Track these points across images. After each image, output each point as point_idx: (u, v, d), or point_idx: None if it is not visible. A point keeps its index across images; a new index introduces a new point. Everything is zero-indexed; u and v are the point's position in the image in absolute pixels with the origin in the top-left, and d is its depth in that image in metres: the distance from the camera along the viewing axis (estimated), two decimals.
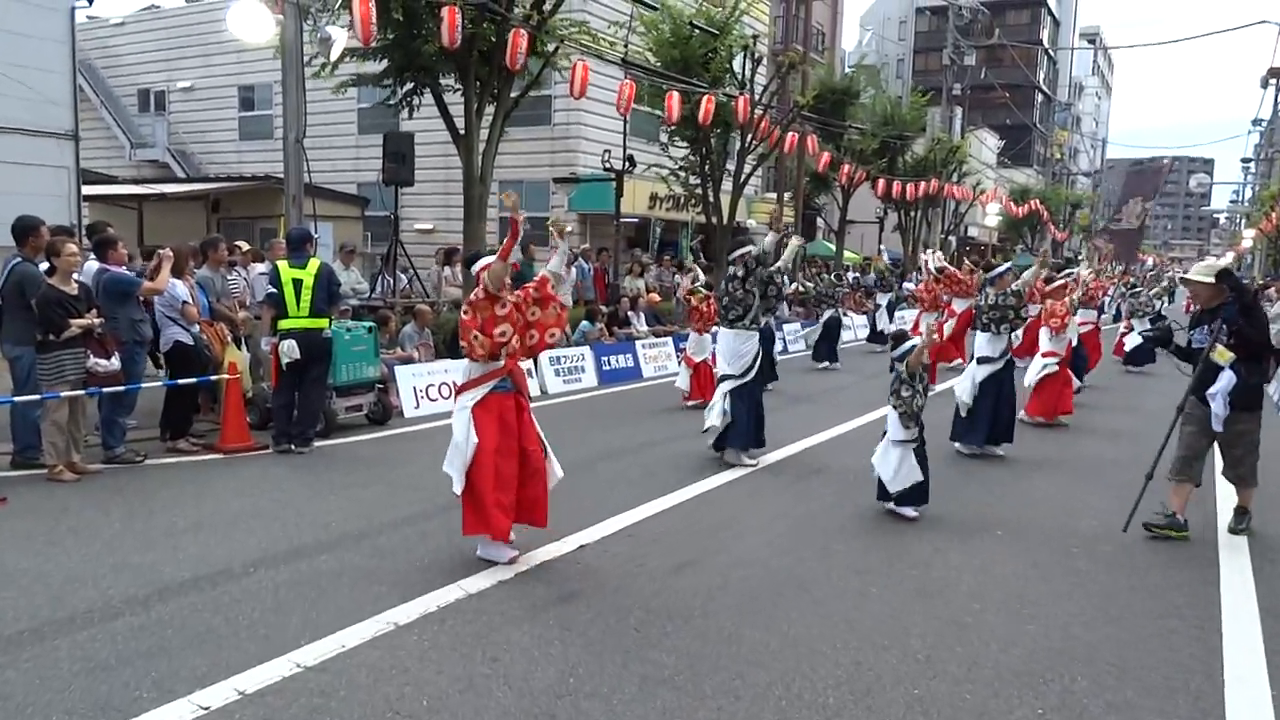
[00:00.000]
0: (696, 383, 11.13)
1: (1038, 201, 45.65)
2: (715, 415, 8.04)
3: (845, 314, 22.04)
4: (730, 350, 8.08)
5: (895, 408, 6.44)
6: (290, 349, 8.02)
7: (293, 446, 8.21)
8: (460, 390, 5.33)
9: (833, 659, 4.25)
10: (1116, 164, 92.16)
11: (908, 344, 6.58)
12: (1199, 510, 6.75)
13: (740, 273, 8.00)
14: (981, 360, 8.64)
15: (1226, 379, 5.95)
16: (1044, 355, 10.24)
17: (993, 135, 51.25)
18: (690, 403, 11.11)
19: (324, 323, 8.30)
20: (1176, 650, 4.49)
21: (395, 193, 13.68)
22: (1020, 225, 50.92)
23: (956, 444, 8.67)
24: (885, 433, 6.55)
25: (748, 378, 8.04)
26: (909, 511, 6.45)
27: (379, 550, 5.58)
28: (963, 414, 8.51)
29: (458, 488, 5.25)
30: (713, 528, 6.22)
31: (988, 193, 38.48)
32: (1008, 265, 9.28)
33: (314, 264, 8.28)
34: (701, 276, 11.87)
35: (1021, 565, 5.64)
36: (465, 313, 5.19)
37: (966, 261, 17.53)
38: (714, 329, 12.16)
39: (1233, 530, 6.30)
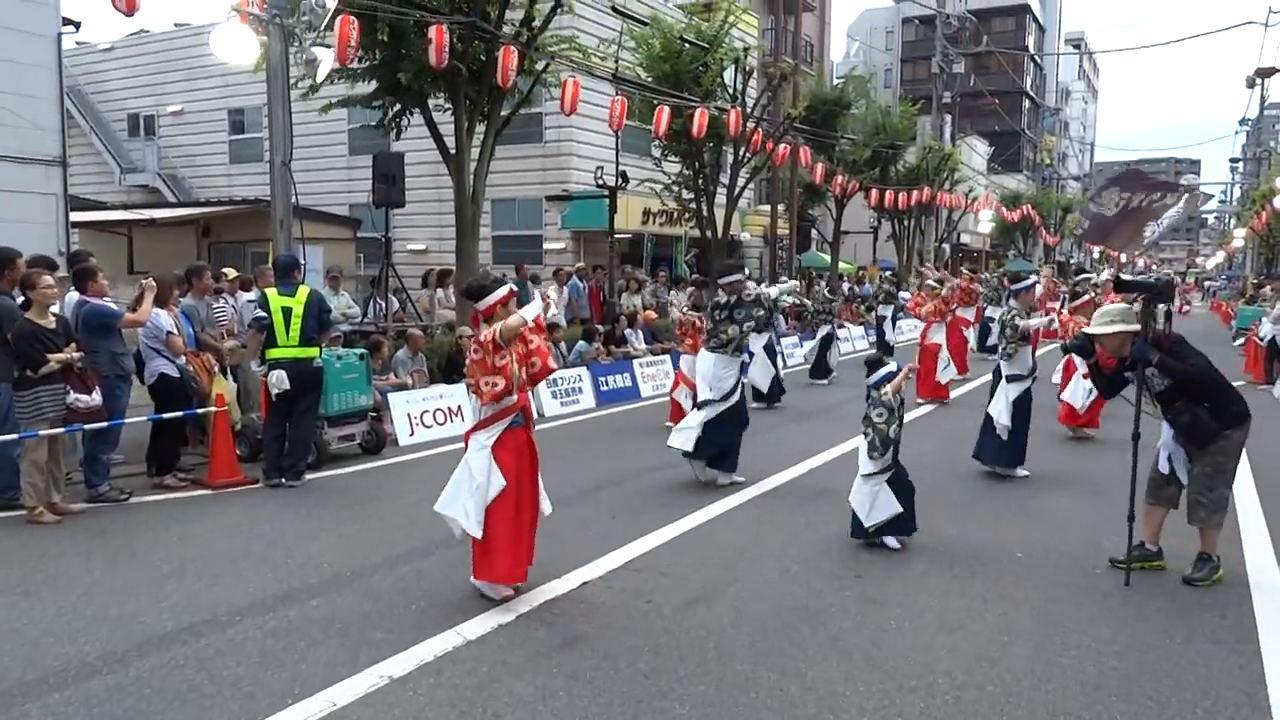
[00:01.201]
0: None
1: (1029, 207, 45.62)
2: (685, 439, 7.84)
3: (843, 325, 21.90)
4: (712, 374, 7.91)
5: (865, 435, 6.16)
6: (280, 380, 7.82)
7: (284, 480, 8.00)
8: (474, 430, 5.13)
9: (856, 703, 4.00)
10: (1105, 168, 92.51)
11: (884, 370, 6.28)
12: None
13: (727, 300, 7.79)
14: (1011, 379, 8.32)
15: (1166, 434, 5.60)
16: (1085, 376, 10.03)
17: (982, 142, 51.30)
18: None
19: (314, 352, 8.14)
20: (1216, 679, 4.27)
21: (386, 214, 13.50)
22: (1013, 231, 50.93)
23: (979, 462, 8.42)
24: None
25: (731, 401, 7.86)
26: (891, 542, 6.20)
27: (373, 592, 5.35)
28: (1004, 437, 8.23)
29: (476, 530, 5.02)
30: (723, 558, 6.01)
31: (980, 199, 38.41)
32: (1035, 279, 8.95)
33: (303, 291, 8.12)
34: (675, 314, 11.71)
35: (1046, 590, 5.44)
36: (475, 352, 4.92)
37: (964, 270, 17.36)
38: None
39: (1186, 579, 5.51)
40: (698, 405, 8.08)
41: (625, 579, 5.58)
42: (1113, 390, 5.95)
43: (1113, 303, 7.10)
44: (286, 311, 7.95)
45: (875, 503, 6.13)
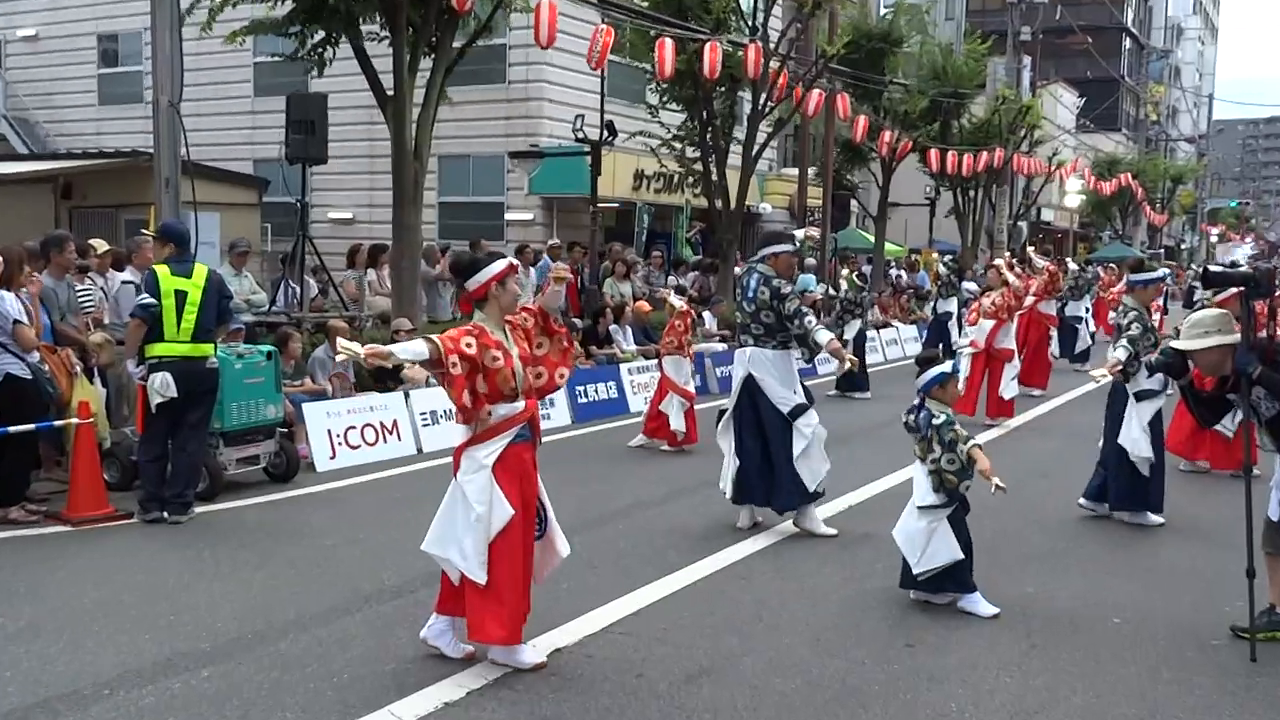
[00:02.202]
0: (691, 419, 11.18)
1: (1129, 176, 45.95)
2: (823, 461, 7.87)
3: (890, 322, 22.00)
4: (790, 376, 7.91)
5: (929, 467, 6.16)
6: (165, 385, 7.80)
7: (166, 514, 7.97)
8: (469, 444, 5.14)
9: None
10: (1226, 126, 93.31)
11: (936, 370, 6.28)
12: None
13: (777, 284, 7.81)
14: (1143, 395, 8.21)
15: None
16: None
17: (1070, 91, 51.65)
18: (682, 447, 11.13)
19: (209, 349, 8.14)
20: None
21: (303, 172, 13.47)
22: (1107, 206, 51.29)
23: (1087, 505, 8.48)
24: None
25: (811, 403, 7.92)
26: (940, 599, 6.22)
27: (282, 660, 5.33)
28: (1144, 473, 8.20)
29: (480, 574, 5.03)
30: (736, 620, 6.02)
31: (1066, 165, 38.67)
32: (1163, 271, 8.90)
33: (201, 271, 8.11)
34: (678, 303, 11.80)
35: (1149, 666, 5.47)
36: (455, 366, 4.92)
37: (1035, 257, 17.48)
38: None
39: (1236, 632, 5.72)
40: (790, 416, 7.82)
41: (609, 646, 5.56)
42: (1214, 417, 5.99)
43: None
44: (180, 296, 7.93)
45: (930, 544, 6.13)
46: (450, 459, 5.29)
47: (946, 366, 6.35)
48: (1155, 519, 8.31)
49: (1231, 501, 9.08)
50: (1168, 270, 9.66)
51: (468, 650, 5.26)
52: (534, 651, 5.27)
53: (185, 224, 9.11)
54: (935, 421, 6.15)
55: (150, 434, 8.08)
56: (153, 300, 7.89)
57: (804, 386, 8.08)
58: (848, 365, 7.72)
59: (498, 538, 5.05)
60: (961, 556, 6.14)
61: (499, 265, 5.15)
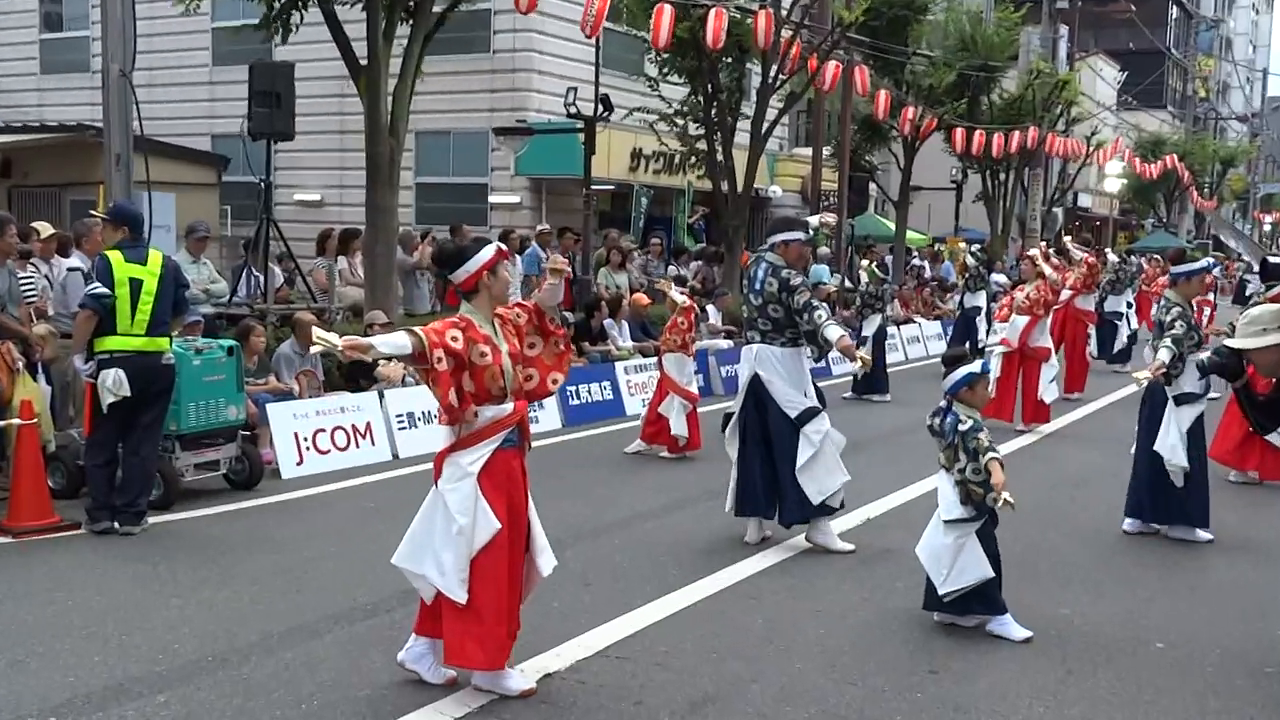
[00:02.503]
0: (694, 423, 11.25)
1: (1175, 157, 46.04)
2: (836, 472, 7.93)
3: (913, 318, 22.05)
4: (802, 378, 7.95)
5: (956, 477, 6.19)
6: (118, 383, 7.78)
7: (116, 524, 7.98)
8: (453, 449, 5.15)
9: None
10: None
11: (964, 370, 6.30)
12: None
13: (788, 274, 7.85)
14: (1183, 400, 8.24)
15: None
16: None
17: (1112, 65, 51.69)
18: (684, 453, 11.19)
19: (165, 344, 8.13)
20: None
21: (267, 149, 13.50)
22: (1151, 191, 51.35)
23: (1136, 522, 8.51)
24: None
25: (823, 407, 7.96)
26: (966, 622, 6.24)
27: (245, 685, 5.35)
28: (1178, 484, 8.24)
29: (459, 593, 5.04)
30: (743, 644, 6.05)
31: (1106, 146, 38.73)
32: (1207, 261, 8.88)
33: (156, 258, 8.10)
34: (679, 298, 11.87)
35: (1196, 695, 5.50)
36: (440, 362, 4.93)
37: (1072, 247, 17.52)
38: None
39: None
40: (798, 421, 7.87)
41: (604, 671, 5.59)
42: (1271, 423, 6.02)
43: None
44: (135, 285, 7.92)
45: (957, 561, 6.16)
46: (430, 465, 5.31)
47: (976, 366, 6.37)
48: (1203, 535, 8.35)
49: (1274, 518, 9.20)
50: (1214, 261, 9.62)
51: (449, 675, 5.28)
52: (521, 677, 5.29)
53: (138, 205, 9.10)
54: (961, 427, 6.17)
55: (98, 437, 8.07)
56: (106, 290, 7.88)
57: (816, 389, 8.10)
58: (859, 365, 7.72)
59: (481, 553, 5.05)
60: (991, 574, 6.17)
61: (488, 252, 5.16)
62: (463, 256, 5.17)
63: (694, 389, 11.39)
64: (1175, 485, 8.24)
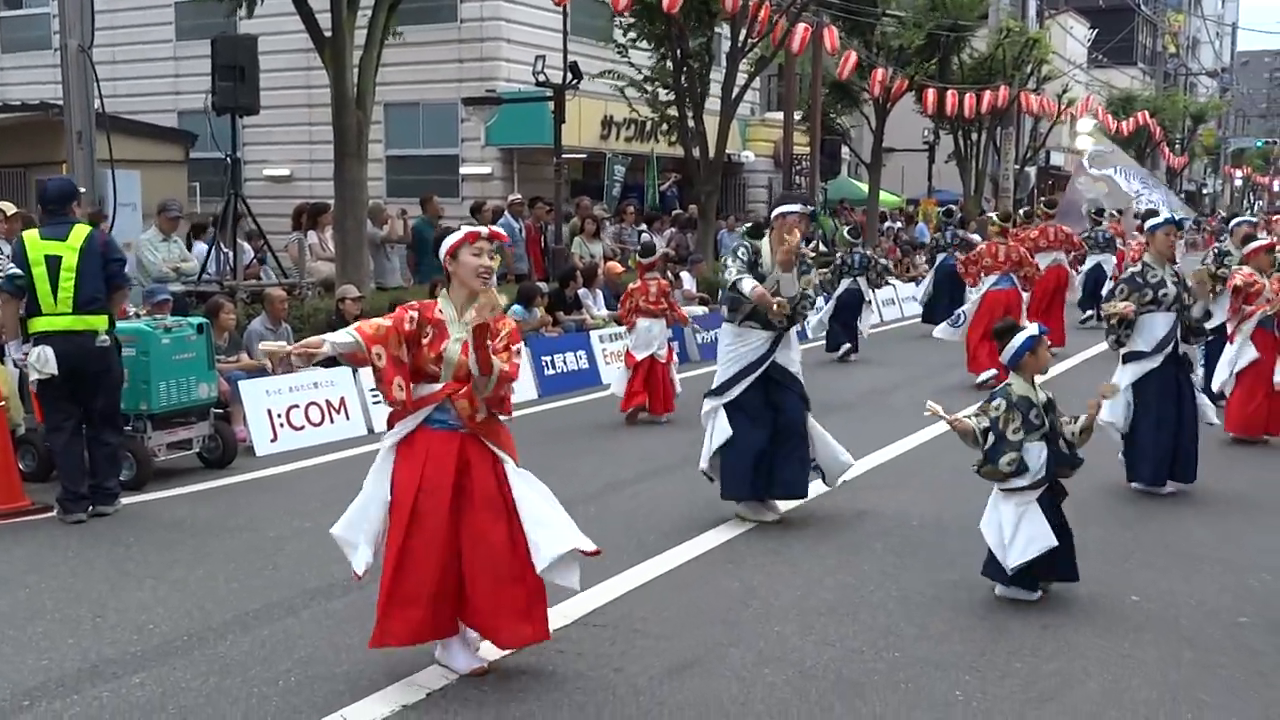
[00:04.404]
0: (647, 387, 11.31)
1: (1146, 114, 46.15)
2: (704, 453, 7.85)
3: (888, 281, 22.08)
4: (721, 348, 7.94)
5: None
6: (43, 360, 7.60)
7: (89, 508, 7.90)
8: (389, 422, 5.19)
9: None
10: (1252, 58, 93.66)
11: (1023, 336, 6.18)
12: None
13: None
14: (1131, 358, 8.33)
15: None
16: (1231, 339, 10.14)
17: (1082, 23, 51.75)
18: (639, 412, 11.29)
19: (99, 322, 7.88)
20: None
21: (233, 124, 13.37)
22: (1123, 148, 51.45)
23: (1135, 484, 8.56)
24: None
25: (729, 394, 7.77)
26: (1027, 595, 6.15)
27: (221, 664, 5.34)
28: (1115, 439, 8.34)
29: (359, 565, 5.11)
30: (722, 609, 6.06)
31: (1078, 103, 38.77)
32: (1171, 219, 8.91)
33: (79, 232, 7.85)
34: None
35: (1171, 648, 5.54)
36: (379, 359, 4.93)
37: (1043, 206, 17.55)
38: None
39: None
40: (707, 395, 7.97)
41: (584, 639, 5.60)
42: None
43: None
44: (53, 262, 7.70)
45: (1019, 530, 6.00)
46: None
47: (1033, 329, 6.27)
48: (1164, 490, 8.43)
49: (1252, 472, 9.24)
50: (1184, 217, 9.58)
51: (478, 666, 5.18)
52: (472, 656, 5.22)
53: (70, 182, 8.83)
54: (1007, 396, 6.10)
55: (49, 420, 7.97)
56: (18, 270, 7.74)
57: (775, 365, 7.90)
58: (775, 308, 7.53)
59: (390, 528, 5.06)
60: (1055, 543, 6.02)
61: (454, 236, 5.13)
62: (443, 240, 5.18)
63: (641, 354, 11.31)
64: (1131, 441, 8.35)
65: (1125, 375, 8.33)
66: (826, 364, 15.13)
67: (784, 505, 7.88)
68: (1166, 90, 61.88)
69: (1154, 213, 9.78)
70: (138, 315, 9.84)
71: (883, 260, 17.87)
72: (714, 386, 7.85)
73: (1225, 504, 8.27)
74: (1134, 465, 8.47)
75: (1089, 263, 19.54)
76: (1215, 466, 9.34)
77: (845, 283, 15.83)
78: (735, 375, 7.72)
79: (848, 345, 15.56)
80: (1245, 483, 8.89)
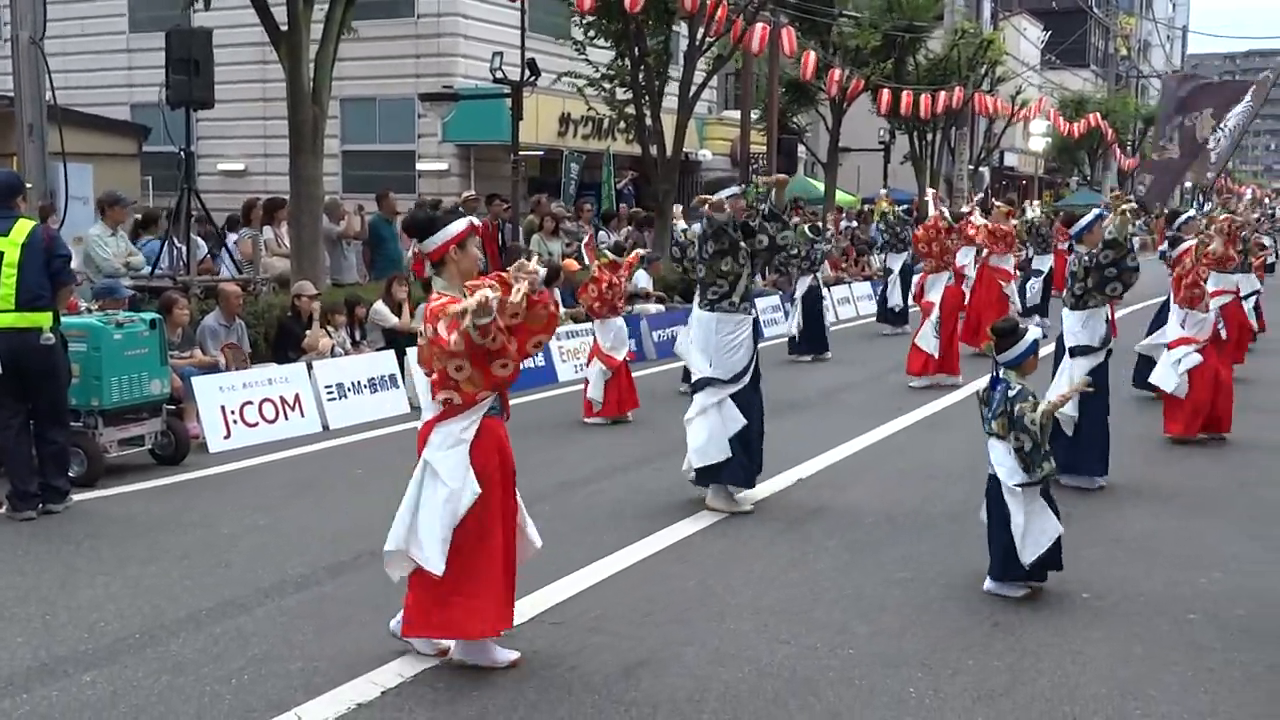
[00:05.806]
0: (616, 391, 11.17)
1: (1099, 116, 46.67)
2: (708, 447, 7.83)
3: (844, 279, 22.19)
4: (711, 343, 7.92)
5: (1013, 444, 6.12)
6: None
7: (37, 506, 7.79)
8: (437, 422, 5.09)
9: None
10: (1202, 61, 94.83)
11: (1030, 337, 6.22)
12: None
13: (713, 228, 7.84)
14: (1077, 351, 8.51)
15: None
16: (1173, 346, 10.27)
17: (1035, 25, 52.25)
18: (597, 419, 11.14)
19: (42, 319, 7.74)
20: None
21: (187, 118, 13.24)
22: (1076, 150, 52.06)
23: (1063, 478, 8.63)
24: (990, 473, 6.29)
25: (742, 382, 7.88)
26: (1014, 591, 6.22)
27: (174, 662, 5.30)
28: (1067, 432, 8.41)
29: (438, 564, 4.98)
30: (677, 607, 6.07)
31: (1031, 105, 39.16)
32: (1098, 212, 9.08)
33: (22, 227, 7.73)
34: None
35: (1121, 644, 5.60)
36: (432, 328, 4.88)
37: (999, 203, 17.66)
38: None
39: None
40: (694, 388, 8.05)
41: (539, 636, 5.59)
42: None
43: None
44: None
45: (1032, 524, 6.06)
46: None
47: (1036, 332, 6.31)
48: (1099, 482, 8.58)
49: (1200, 466, 9.37)
50: (1101, 210, 9.66)
51: (441, 646, 5.23)
52: (505, 650, 5.26)
53: (15, 174, 8.66)
54: (1010, 392, 6.13)
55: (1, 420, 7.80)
56: None
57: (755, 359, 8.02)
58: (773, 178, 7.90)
59: (471, 520, 5.01)
60: (1062, 530, 6.16)
61: (458, 226, 5.09)
62: (433, 227, 5.11)
63: (621, 354, 11.32)
64: (1067, 434, 8.42)
65: (1078, 370, 8.41)
66: (784, 363, 15.19)
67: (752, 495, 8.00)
68: (1118, 92, 62.60)
69: (1076, 217, 10.02)
70: (89, 310, 9.74)
71: (825, 246, 17.84)
72: (716, 377, 7.89)
73: (1177, 501, 8.36)
74: (1079, 460, 8.51)
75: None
76: (1163, 463, 9.48)
77: (806, 280, 15.88)
78: (746, 362, 7.90)
79: (813, 355, 15.54)
80: (1195, 479, 8.99)
